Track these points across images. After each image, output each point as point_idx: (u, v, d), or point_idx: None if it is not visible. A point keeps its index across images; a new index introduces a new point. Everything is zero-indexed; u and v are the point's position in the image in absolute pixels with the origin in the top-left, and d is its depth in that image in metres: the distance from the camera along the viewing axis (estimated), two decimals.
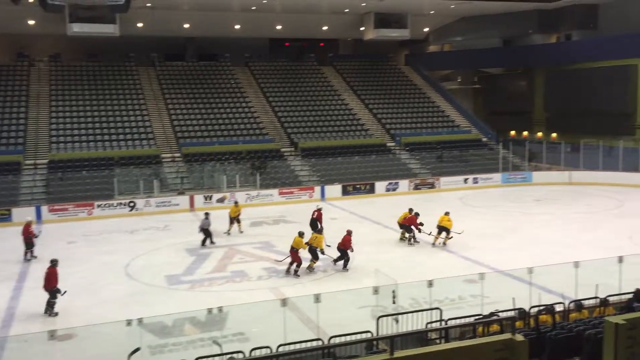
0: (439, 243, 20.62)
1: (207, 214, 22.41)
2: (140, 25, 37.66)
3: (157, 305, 15.00)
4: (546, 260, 16.69)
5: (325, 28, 42.64)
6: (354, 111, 39.42)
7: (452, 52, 47.73)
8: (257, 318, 13.10)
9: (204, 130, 35.18)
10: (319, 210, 22.61)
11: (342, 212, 27.46)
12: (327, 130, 36.92)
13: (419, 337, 9.71)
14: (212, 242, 21.57)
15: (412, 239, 21.07)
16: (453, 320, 10.99)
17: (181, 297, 16.19)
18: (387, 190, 31.87)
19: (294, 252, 17.67)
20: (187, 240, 22.29)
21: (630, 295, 11.48)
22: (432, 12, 41.18)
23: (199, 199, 29.04)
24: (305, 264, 17.89)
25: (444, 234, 20.58)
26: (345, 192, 31.16)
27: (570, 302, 12.00)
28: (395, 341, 5.30)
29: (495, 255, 18.94)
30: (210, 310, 11.49)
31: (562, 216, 25.15)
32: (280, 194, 30.15)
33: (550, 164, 35.77)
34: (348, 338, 9.72)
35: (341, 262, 18.34)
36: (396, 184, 32.15)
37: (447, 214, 21.05)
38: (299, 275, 17.54)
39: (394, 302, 12.45)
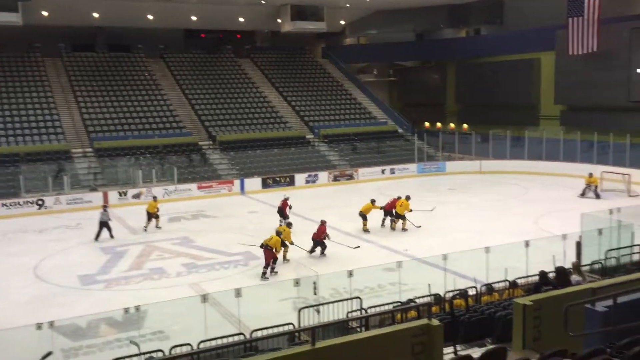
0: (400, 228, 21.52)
1: (104, 206, 22.32)
2: (45, 13, 35.73)
3: (70, 307, 14.38)
4: (460, 246, 17.35)
5: (241, 19, 42.17)
6: (273, 104, 39.31)
7: (367, 45, 48.53)
8: (177, 315, 12.84)
9: (117, 124, 33.95)
10: (285, 199, 22.50)
11: (262, 205, 27.36)
12: (245, 123, 36.61)
13: (340, 327, 9.86)
14: (111, 236, 21.31)
15: (393, 223, 21.77)
16: (373, 309, 11.25)
17: (96, 297, 15.60)
18: (307, 182, 32.06)
19: (268, 250, 16.71)
20: (102, 238, 21.48)
21: (537, 277, 12.15)
22: (348, 5, 41.65)
23: (113, 195, 28.03)
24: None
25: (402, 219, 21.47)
26: (265, 185, 31.06)
27: (482, 285, 12.57)
28: (316, 332, 5.35)
29: (412, 243, 19.49)
30: (127, 310, 11.16)
31: (474, 204, 26.23)
32: (199, 188, 29.64)
33: (463, 154, 37.20)
34: (270, 331, 9.74)
35: (316, 253, 18.33)
36: (316, 175, 32.40)
37: (407, 198, 21.76)
38: (277, 272, 16.67)
39: (315, 294, 12.58)
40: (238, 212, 25.85)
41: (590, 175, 26.85)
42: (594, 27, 31.97)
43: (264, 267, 16.60)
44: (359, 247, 18.75)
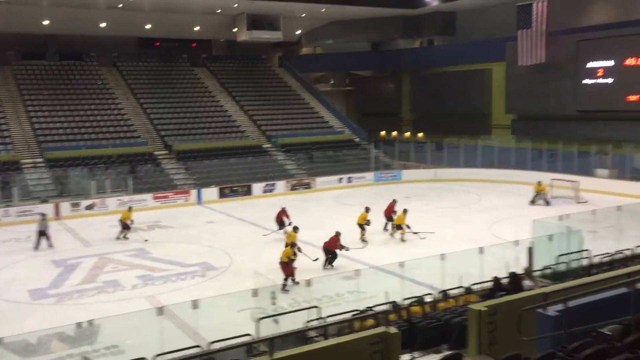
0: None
1: (43, 215, 22.01)
2: None
3: (19, 323, 13.91)
4: (416, 253, 17.59)
5: (197, 28, 41.87)
6: (229, 113, 39.09)
7: (324, 54, 48.85)
8: (132, 329, 12.56)
9: (70, 133, 33.14)
10: (282, 209, 22.52)
11: (219, 215, 27.13)
12: (202, 132, 36.27)
13: (299, 337, 9.84)
14: (49, 246, 21.12)
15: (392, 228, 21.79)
16: (331, 318, 11.26)
17: (47, 312, 15.14)
18: (265, 191, 31.95)
19: (282, 263, 16.21)
20: (53, 250, 20.88)
21: (491, 283, 12.40)
22: (304, 15, 41.87)
23: (65, 206, 27.31)
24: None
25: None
26: (222, 194, 30.80)
27: (438, 292, 12.75)
28: (275, 342, 5.34)
29: (370, 252, 19.64)
30: (79, 324, 10.86)
31: (430, 211, 26.61)
32: (155, 198, 29.16)
33: (418, 162, 37.77)
34: (228, 343, 9.64)
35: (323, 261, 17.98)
36: (273, 185, 32.32)
37: (405, 212, 21.56)
38: (298, 282, 15.86)
39: (273, 303, 12.52)
40: (195, 223, 25.55)
41: (539, 183, 27.62)
42: (542, 39, 33.03)
43: (284, 279, 16.02)
44: (317, 259, 18.18)
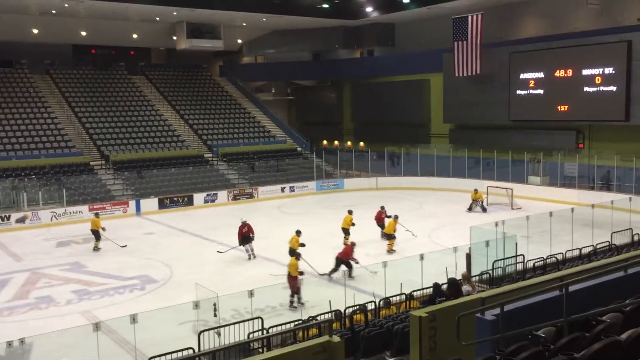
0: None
1: None
2: None
3: None
4: (358, 261, 17.70)
5: (135, 36, 41.02)
6: (169, 122, 38.42)
7: (265, 64, 48.80)
8: (66, 346, 12.11)
9: None
10: (246, 224, 20.58)
11: (159, 226, 26.55)
12: (140, 142, 35.45)
13: (242, 348, 9.72)
14: None
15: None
16: (274, 328, 11.19)
17: None
18: (206, 201, 31.51)
19: (290, 277, 15.36)
20: None
21: (432, 289, 12.63)
22: (245, 24, 41.75)
23: None
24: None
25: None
26: (162, 205, 30.18)
27: (380, 300, 12.89)
28: (217, 355, 5.25)
29: (313, 261, 19.61)
30: (9, 343, 10.36)
31: (371, 219, 26.87)
32: (91, 210, 28.24)
33: (360, 171, 38.19)
34: (168, 357, 9.43)
35: (335, 274, 17.17)
36: (215, 195, 31.92)
37: (395, 217, 21.50)
38: (303, 304, 15.00)
39: (215, 315, 12.33)
40: (134, 234, 24.89)
41: (476, 191, 28.41)
42: (477, 51, 34.11)
43: (290, 296, 15.16)
44: (328, 273, 17.42)
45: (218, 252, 20.88)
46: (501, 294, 6.73)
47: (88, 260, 20.75)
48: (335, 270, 17.45)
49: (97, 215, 23.48)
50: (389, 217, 22.40)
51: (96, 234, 22.17)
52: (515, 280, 13.63)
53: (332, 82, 47.61)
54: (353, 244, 18.11)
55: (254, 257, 20.29)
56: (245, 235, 20.42)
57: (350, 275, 17.12)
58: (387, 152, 38.09)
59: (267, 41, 45.51)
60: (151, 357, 9.91)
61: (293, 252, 17.30)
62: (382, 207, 23.41)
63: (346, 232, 21.64)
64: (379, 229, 22.91)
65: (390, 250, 20.83)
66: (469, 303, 6.95)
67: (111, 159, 33.06)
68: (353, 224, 21.75)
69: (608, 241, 17.07)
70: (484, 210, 27.72)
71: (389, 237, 21.19)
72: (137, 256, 21.24)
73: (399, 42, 43.35)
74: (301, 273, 15.35)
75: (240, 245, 20.48)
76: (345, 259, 17.60)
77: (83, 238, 24.39)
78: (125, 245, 22.25)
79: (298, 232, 18.58)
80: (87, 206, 28.25)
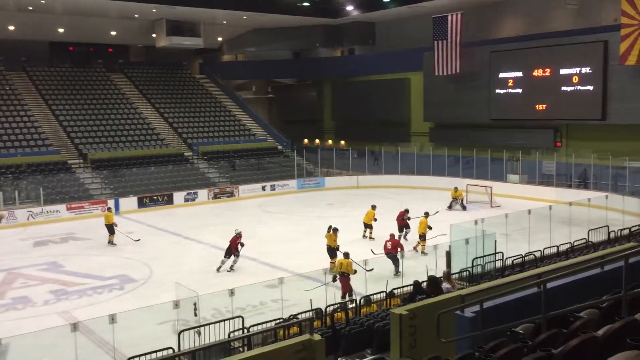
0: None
1: None
2: None
3: None
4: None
5: (113, 33, 40.57)
6: (148, 120, 38.07)
7: (246, 62, 48.63)
8: (44, 347, 11.94)
9: None
10: (237, 235, 18.94)
11: (138, 225, 26.31)
12: (119, 140, 35.10)
13: (222, 348, 9.67)
14: None
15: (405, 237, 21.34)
16: (255, 327, 11.16)
17: None
18: (186, 200, 31.30)
19: (344, 278, 14.98)
20: None
21: (412, 287, 12.69)
22: (225, 22, 41.52)
23: None
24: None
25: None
26: (141, 204, 29.91)
27: (361, 297, 12.92)
28: (197, 354, 5.21)
29: (294, 259, 19.63)
30: None
31: (353, 218, 26.92)
32: (69, 209, 27.92)
33: (340, 169, 38.23)
34: (148, 357, 9.35)
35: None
36: (195, 193, 31.73)
37: (426, 215, 21.04)
38: (354, 299, 14.18)
39: (195, 315, 12.26)
40: None
41: (456, 189, 28.62)
42: (457, 50, 34.34)
43: (342, 297, 14.65)
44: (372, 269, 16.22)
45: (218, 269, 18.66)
46: (480, 291, 6.79)
47: (66, 260, 20.50)
48: (397, 266, 16.94)
49: (110, 210, 24.30)
50: (409, 219, 21.92)
51: (110, 229, 22.53)
52: (495, 277, 13.76)
53: (313, 81, 47.60)
54: (392, 235, 18.32)
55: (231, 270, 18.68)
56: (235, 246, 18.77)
57: (397, 273, 16.76)
58: (368, 150, 38.18)
59: (247, 39, 45.34)
60: (130, 358, 9.82)
61: (333, 251, 17.58)
62: (407, 210, 22.37)
63: (369, 226, 21.93)
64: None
65: (423, 253, 19.73)
66: (448, 300, 6.99)
67: (89, 157, 32.68)
68: (375, 219, 22.02)
69: (585, 238, 17.32)
70: (464, 208, 27.93)
71: (421, 237, 20.41)
72: (116, 255, 21.04)
73: (379, 41, 43.48)
74: (354, 272, 15.05)
75: (230, 257, 18.67)
76: (393, 251, 17.23)
77: (61, 237, 24.10)
78: (139, 240, 22.67)
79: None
80: (64, 205, 27.90)
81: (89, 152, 33.14)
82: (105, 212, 23.85)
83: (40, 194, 27.96)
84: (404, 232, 21.88)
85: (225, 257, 18.53)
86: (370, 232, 21.97)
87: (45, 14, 35.91)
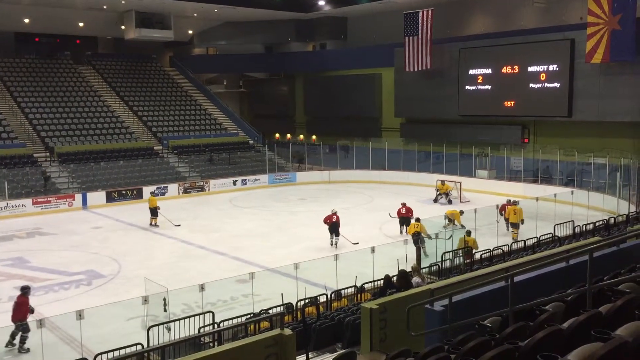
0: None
1: None
2: None
3: None
4: (310, 254, 17.79)
5: (81, 24, 39.79)
6: (117, 113, 37.49)
7: (217, 55, 48.20)
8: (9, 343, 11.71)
9: None
10: (334, 213, 21.07)
11: (106, 220, 25.94)
12: (87, 133, 34.48)
13: (193, 343, 9.61)
14: None
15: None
16: (225, 322, 11.12)
17: None
18: (156, 195, 30.83)
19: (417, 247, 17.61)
20: None
21: (382, 282, 12.79)
22: (196, 14, 41.08)
23: None
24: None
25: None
26: (109, 198, 29.47)
27: (332, 292, 12.97)
28: (166, 350, 5.17)
29: (265, 254, 19.60)
30: None
31: (323, 213, 26.94)
32: (35, 203, 27.35)
33: (312, 164, 38.25)
34: (116, 353, 9.25)
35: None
36: (165, 188, 31.37)
37: (461, 213, 21.26)
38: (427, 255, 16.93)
39: (165, 310, 12.16)
40: (80, 229, 24.25)
41: (443, 182, 29.00)
42: (427, 46, 34.60)
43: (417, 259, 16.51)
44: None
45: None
46: (449, 285, 6.88)
47: (32, 255, 20.10)
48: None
49: (153, 194, 26.39)
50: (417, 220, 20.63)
51: (153, 212, 24.22)
52: (463, 271, 13.96)
53: (285, 75, 47.45)
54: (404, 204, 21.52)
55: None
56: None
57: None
58: (339, 145, 38.27)
59: (218, 33, 44.95)
60: (98, 354, 9.70)
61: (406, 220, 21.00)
62: (404, 204, 22.69)
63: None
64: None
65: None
66: (418, 294, 7.07)
67: (56, 150, 32.05)
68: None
69: (551, 233, 17.67)
70: (450, 202, 28.26)
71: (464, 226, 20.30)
72: (84, 251, 20.71)
73: (351, 36, 43.54)
74: (428, 235, 18.01)
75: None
76: (410, 215, 20.77)
77: (26, 232, 23.62)
78: (180, 225, 23.98)
79: (418, 220, 20.65)
80: (30, 199, 27.33)
81: (55, 145, 32.50)
82: (150, 197, 25.56)
83: (5, 188, 27.32)
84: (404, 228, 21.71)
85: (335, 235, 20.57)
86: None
87: (11, 4, 35.04)
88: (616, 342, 3.14)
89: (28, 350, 12.01)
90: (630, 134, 28.12)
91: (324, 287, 13.62)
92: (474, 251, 16.35)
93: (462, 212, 21.32)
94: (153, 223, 24.30)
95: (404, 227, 21.35)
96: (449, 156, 33.91)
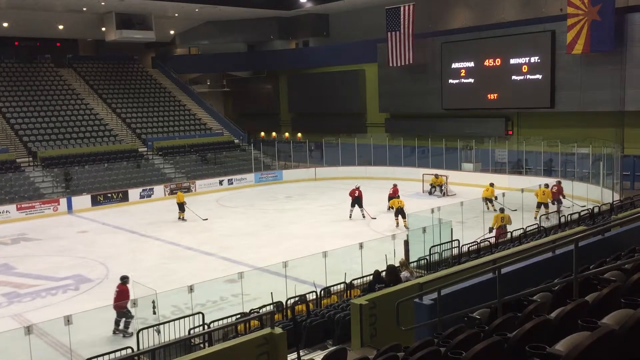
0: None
1: None
2: None
3: None
4: (299, 252, 17.77)
5: (61, 27, 39.38)
6: (100, 116, 37.18)
7: (199, 55, 47.95)
8: None
9: None
10: (357, 188, 24.34)
11: (93, 224, 25.74)
12: (70, 137, 34.16)
13: (183, 345, 9.59)
14: None
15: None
16: (215, 323, 11.09)
17: None
18: (142, 197, 30.75)
19: (499, 229, 18.20)
20: None
21: (371, 277, 12.82)
22: (177, 14, 40.82)
23: None
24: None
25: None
26: (95, 202, 29.23)
27: (321, 289, 12.99)
28: (157, 353, 5.15)
29: (253, 253, 19.56)
30: None
31: (310, 210, 27.02)
32: (19, 209, 27.07)
33: (298, 162, 38.21)
34: (106, 358, 9.20)
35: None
36: (151, 190, 31.20)
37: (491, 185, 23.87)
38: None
39: (154, 313, 12.10)
40: (66, 233, 24.04)
41: (436, 176, 29.14)
42: (409, 41, 34.69)
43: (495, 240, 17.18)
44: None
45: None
46: (438, 278, 6.92)
47: (17, 262, 19.90)
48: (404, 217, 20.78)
49: (181, 189, 28.37)
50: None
51: (181, 207, 25.26)
52: (451, 264, 14.03)
53: (268, 74, 47.31)
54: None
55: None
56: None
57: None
58: (325, 142, 38.27)
59: (200, 32, 44.71)
60: (88, 359, 9.64)
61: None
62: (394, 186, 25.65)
63: (490, 200, 23.75)
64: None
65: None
66: (407, 289, 7.11)
67: (39, 155, 31.74)
68: (496, 197, 23.17)
69: (537, 224, 17.81)
70: (444, 194, 28.41)
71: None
72: (70, 255, 20.54)
73: (333, 33, 43.52)
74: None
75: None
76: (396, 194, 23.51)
77: (11, 239, 23.38)
78: (207, 219, 24.87)
79: (492, 184, 23.70)
80: (14, 205, 27.04)
81: (38, 150, 32.17)
82: (178, 192, 26.93)
83: None
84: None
85: (357, 208, 23.29)
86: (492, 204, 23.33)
87: None
88: (603, 330, 3.18)
89: (132, 334, 12.41)
90: (612, 123, 28.41)
91: (313, 285, 13.62)
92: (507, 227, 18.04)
93: (492, 184, 24.31)
94: (181, 217, 25.24)
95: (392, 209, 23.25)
96: (434, 150, 34.05)
